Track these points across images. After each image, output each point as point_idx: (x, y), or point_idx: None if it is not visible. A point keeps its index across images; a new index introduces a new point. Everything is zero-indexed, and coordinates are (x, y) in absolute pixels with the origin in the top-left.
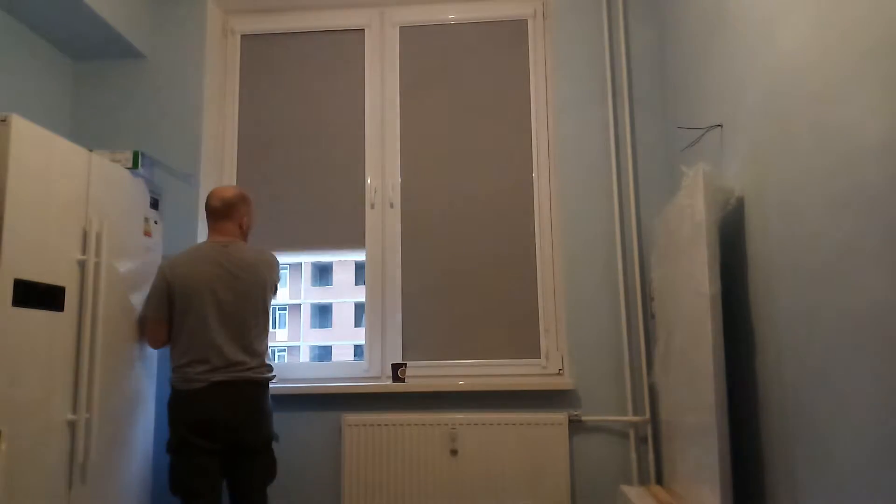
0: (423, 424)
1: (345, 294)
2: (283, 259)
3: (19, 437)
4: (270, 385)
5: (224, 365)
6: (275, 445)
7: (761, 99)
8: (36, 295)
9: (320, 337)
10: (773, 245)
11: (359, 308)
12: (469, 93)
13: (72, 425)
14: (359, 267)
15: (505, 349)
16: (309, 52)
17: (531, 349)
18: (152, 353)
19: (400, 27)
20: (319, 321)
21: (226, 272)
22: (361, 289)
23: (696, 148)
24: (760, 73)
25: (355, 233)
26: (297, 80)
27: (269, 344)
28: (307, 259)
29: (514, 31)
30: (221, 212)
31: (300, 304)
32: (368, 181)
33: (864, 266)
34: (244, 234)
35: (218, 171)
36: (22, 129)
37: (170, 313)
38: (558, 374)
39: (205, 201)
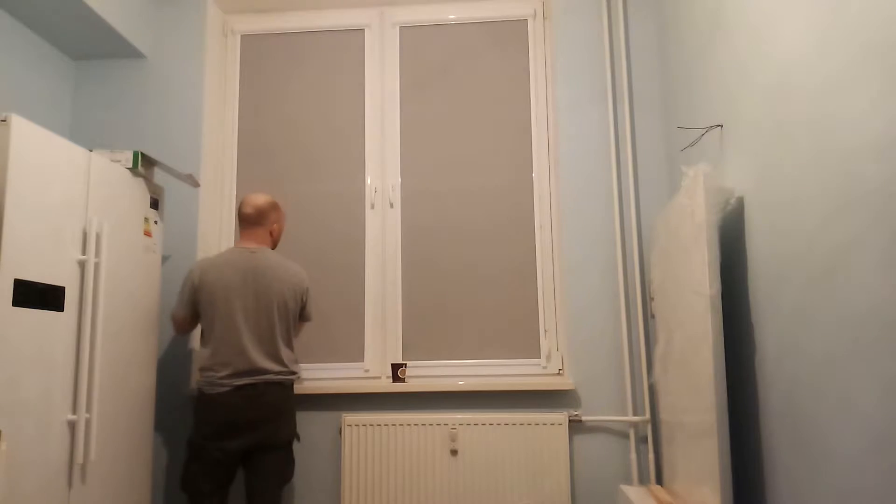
0: (423, 424)
1: None
2: None
3: (19, 436)
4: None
5: (248, 370)
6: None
7: (761, 99)
8: (36, 295)
9: None
10: (773, 245)
11: None
12: (469, 93)
13: (72, 425)
14: None
15: (505, 349)
16: (309, 52)
17: (531, 349)
18: (152, 353)
19: (400, 27)
20: None
21: (251, 279)
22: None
23: (696, 148)
24: (760, 72)
25: (355, 234)
26: (297, 80)
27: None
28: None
29: (514, 32)
30: (253, 219)
31: None
32: (368, 181)
33: (864, 266)
34: (274, 241)
35: (218, 170)
36: (22, 128)
37: (195, 313)
38: (558, 374)
39: (237, 208)
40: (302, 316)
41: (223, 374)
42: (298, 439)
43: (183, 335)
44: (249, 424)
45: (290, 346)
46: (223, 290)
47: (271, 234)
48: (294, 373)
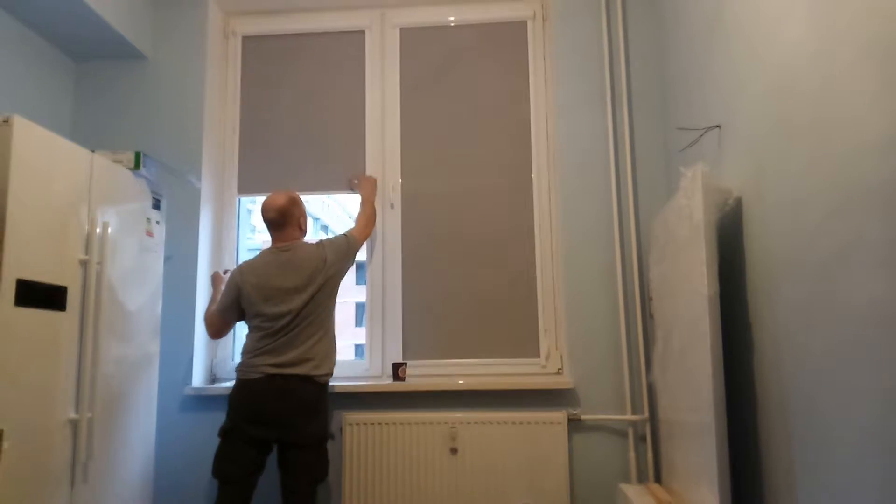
0: (423, 423)
1: (345, 294)
2: None
3: (21, 435)
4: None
5: (280, 362)
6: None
7: (760, 99)
8: (38, 295)
9: None
10: (772, 245)
11: (359, 308)
12: (469, 94)
13: (74, 424)
14: (359, 266)
15: (505, 349)
16: (310, 53)
17: (531, 349)
18: (154, 353)
19: (400, 29)
20: None
21: (287, 277)
22: (362, 289)
23: (694, 148)
24: (759, 73)
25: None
26: (297, 82)
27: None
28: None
29: (514, 33)
30: (279, 222)
31: None
32: None
33: (863, 265)
34: (304, 232)
35: (219, 171)
36: (24, 129)
37: (238, 313)
38: (557, 373)
39: (260, 213)
40: (352, 239)
41: (258, 362)
42: (332, 438)
43: (216, 337)
44: (276, 415)
45: (328, 341)
46: (260, 290)
47: (300, 227)
48: (327, 373)
